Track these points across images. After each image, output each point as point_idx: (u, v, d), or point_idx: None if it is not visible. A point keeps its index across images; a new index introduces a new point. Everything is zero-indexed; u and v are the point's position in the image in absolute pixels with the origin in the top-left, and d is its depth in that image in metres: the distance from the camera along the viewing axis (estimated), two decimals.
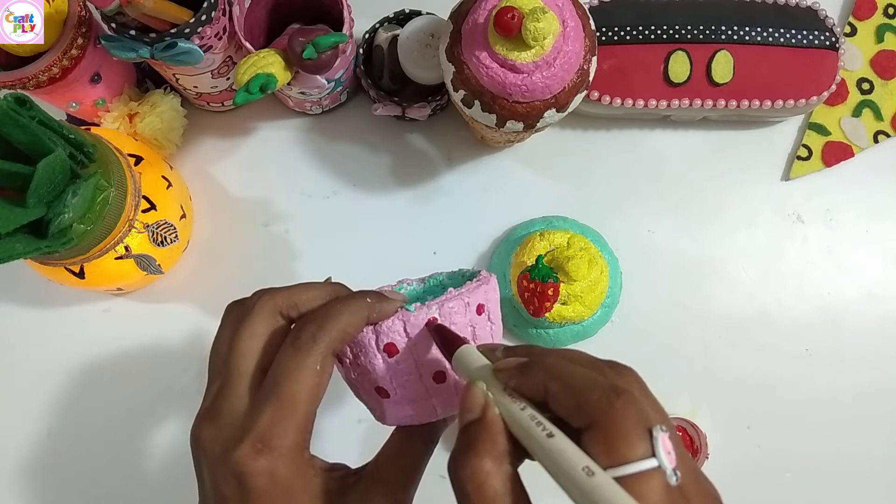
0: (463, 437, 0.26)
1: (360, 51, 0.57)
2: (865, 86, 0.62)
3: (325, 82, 0.51)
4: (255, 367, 0.30)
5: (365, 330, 0.31)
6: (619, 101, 0.57)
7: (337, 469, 0.31)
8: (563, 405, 0.25)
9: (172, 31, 0.46)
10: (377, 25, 0.58)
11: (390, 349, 0.31)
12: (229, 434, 0.29)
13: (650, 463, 0.22)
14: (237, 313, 0.31)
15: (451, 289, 0.33)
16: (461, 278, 0.38)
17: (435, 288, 0.39)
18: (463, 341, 0.30)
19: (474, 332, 0.33)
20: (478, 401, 0.27)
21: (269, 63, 0.46)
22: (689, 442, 0.56)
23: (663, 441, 0.23)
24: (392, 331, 0.31)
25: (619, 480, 0.22)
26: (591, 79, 0.48)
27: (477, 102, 0.47)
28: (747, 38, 0.56)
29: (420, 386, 0.32)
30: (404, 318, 0.31)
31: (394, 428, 0.34)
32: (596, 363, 0.27)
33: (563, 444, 0.23)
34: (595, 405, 0.24)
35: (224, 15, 0.50)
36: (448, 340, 0.30)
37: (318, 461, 0.31)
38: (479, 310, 0.33)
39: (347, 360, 0.32)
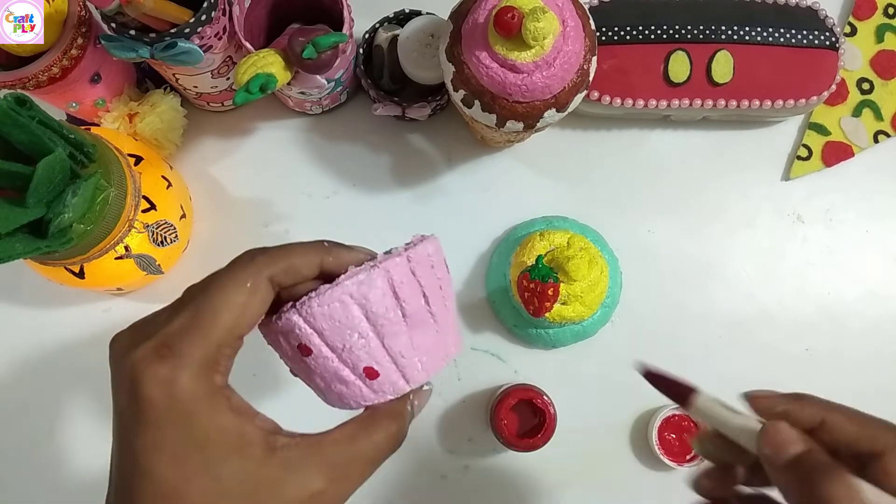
0: (797, 469, 0.27)
1: (360, 51, 0.57)
2: (865, 86, 0.62)
3: (325, 82, 0.51)
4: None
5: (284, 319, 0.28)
6: (619, 101, 0.57)
7: (264, 419, 0.27)
8: (845, 433, 0.28)
9: (172, 31, 0.46)
10: (377, 25, 0.58)
11: (303, 349, 0.28)
12: (139, 336, 0.26)
13: None
14: (232, 261, 0.28)
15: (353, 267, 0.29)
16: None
17: None
18: (691, 388, 0.30)
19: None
20: (792, 433, 0.28)
21: (269, 63, 0.46)
22: (696, 428, 0.56)
23: None
24: (294, 328, 0.28)
25: None
26: (591, 79, 0.48)
27: (477, 102, 0.47)
28: (747, 38, 0.56)
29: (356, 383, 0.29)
30: (302, 312, 0.28)
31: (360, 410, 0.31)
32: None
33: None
34: (884, 433, 0.27)
35: (224, 15, 0.50)
36: (672, 388, 0.31)
37: (236, 397, 0.27)
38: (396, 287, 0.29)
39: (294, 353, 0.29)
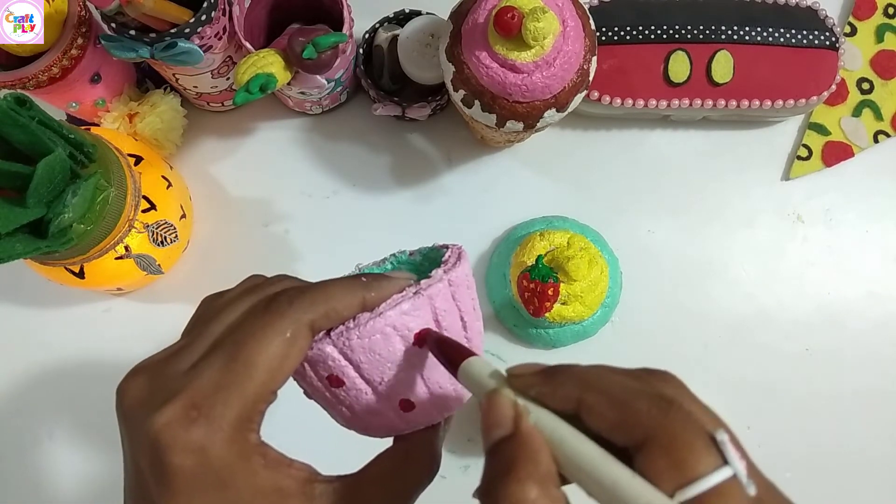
0: (494, 459, 0.22)
1: (360, 51, 0.57)
2: (865, 86, 0.62)
3: (325, 82, 0.51)
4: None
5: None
6: (619, 101, 0.57)
7: (299, 468, 0.25)
8: (603, 419, 0.21)
9: (172, 31, 0.46)
10: (377, 25, 0.58)
11: (333, 381, 0.26)
12: (158, 390, 0.23)
13: (725, 472, 0.20)
14: (266, 302, 0.26)
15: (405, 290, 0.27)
16: (427, 257, 0.32)
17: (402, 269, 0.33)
18: (469, 352, 0.25)
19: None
20: (506, 412, 0.22)
21: (269, 63, 0.46)
22: None
23: (731, 446, 0.20)
24: (327, 359, 0.26)
25: (697, 500, 0.19)
26: (591, 79, 0.48)
27: (477, 102, 0.47)
28: (747, 38, 0.56)
29: (387, 415, 0.28)
30: (338, 343, 0.25)
31: (391, 441, 0.29)
32: (632, 371, 0.24)
33: (621, 469, 0.20)
34: (647, 417, 0.21)
35: (224, 15, 0.50)
36: (449, 351, 0.26)
37: (271, 452, 0.25)
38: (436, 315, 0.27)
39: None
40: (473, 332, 0.29)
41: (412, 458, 0.28)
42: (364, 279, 0.26)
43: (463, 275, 0.28)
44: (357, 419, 0.28)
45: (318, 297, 0.25)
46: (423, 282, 0.27)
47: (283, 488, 0.24)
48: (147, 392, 0.24)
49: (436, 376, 0.28)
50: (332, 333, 0.26)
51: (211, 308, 0.27)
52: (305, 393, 0.29)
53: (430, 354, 0.27)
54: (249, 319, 0.25)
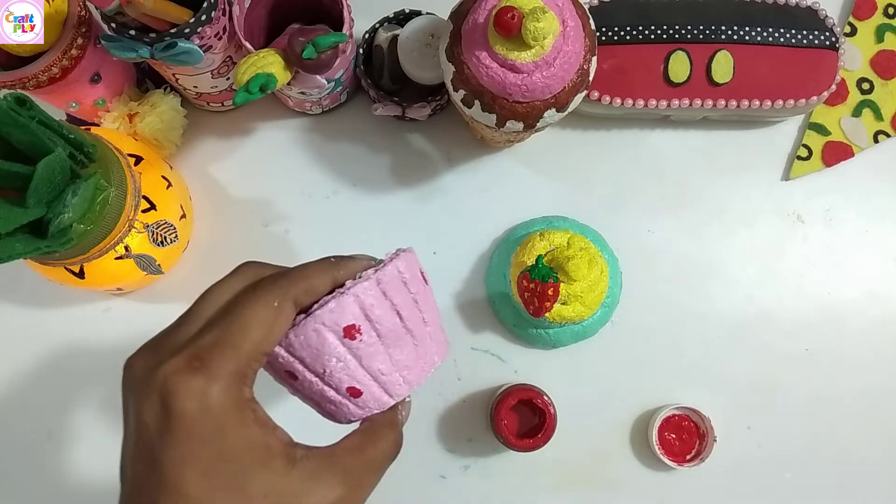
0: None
1: (360, 51, 0.57)
2: (865, 86, 0.62)
3: (325, 82, 0.51)
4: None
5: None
6: (619, 101, 0.57)
7: (282, 433, 0.28)
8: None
9: (172, 31, 0.46)
10: (377, 25, 0.58)
11: (290, 375, 0.30)
12: (163, 352, 0.26)
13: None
14: (253, 285, 0.29)
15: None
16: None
17: None
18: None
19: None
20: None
21: (269, 63, 0.46)
22: (695, 428, 0.56)
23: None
24: (278, 357, 0.29)
25: None
26: (591, 79, 0.48)
27: (477, 102, 0.47)
28: (747, 38, 0.56)
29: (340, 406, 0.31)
30: (283, 342, 0.29)
31: (358, 423, 0.32)
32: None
33: None
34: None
35: (224, 15, 0.50)
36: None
37: (260, 410, 0.27)
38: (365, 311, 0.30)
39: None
40: (415, 324, 0.32)
41: (378, 433, 0.31)
42: (333, 260, 0.31)
43: (395, 272, 0.31)
44: (320, 407, 0.32)
45: (298, 276, 0.29)
46: (348, 282, 0.30)
47: (270, 445, 0.26)
48: (153, 358, 0.26)
49: (375, 364, 0.30)
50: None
51: (204, 294, 0.30)
52: (289, 391, 0.32)
53: (365, 345, 0.30)
54: (240, 295, 0.29)
